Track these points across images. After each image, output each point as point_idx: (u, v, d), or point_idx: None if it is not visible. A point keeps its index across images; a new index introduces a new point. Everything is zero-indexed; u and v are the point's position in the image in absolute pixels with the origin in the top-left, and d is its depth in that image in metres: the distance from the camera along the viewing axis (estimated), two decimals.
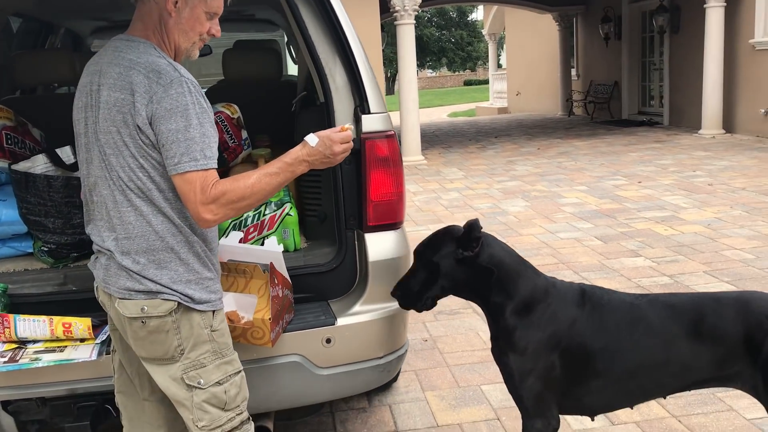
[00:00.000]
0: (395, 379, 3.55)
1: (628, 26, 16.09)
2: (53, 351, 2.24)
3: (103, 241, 1.97)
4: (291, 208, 2.66)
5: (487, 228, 7.00)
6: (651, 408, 3.17)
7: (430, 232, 2.35)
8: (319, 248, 2.72)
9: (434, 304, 2.31)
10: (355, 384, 2.50)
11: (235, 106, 3.07)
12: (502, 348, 2.26)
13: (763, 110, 11.64)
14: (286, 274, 2.36)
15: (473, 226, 2.19)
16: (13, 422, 2.30)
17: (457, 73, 57.41)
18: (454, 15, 52.26)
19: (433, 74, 57.97)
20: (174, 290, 1.93)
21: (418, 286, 2.27)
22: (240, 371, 2.06)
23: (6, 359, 2.19)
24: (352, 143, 2.04)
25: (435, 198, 8.58)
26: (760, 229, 6.07)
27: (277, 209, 2.64)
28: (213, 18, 2.01)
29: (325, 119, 2.55)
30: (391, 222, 2.53)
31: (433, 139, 15.30)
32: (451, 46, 53.55)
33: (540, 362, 2.18)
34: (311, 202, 2.89)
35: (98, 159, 1.93)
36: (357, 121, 2.51)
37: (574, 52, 19.34)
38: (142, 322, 1.93)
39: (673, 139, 12.41)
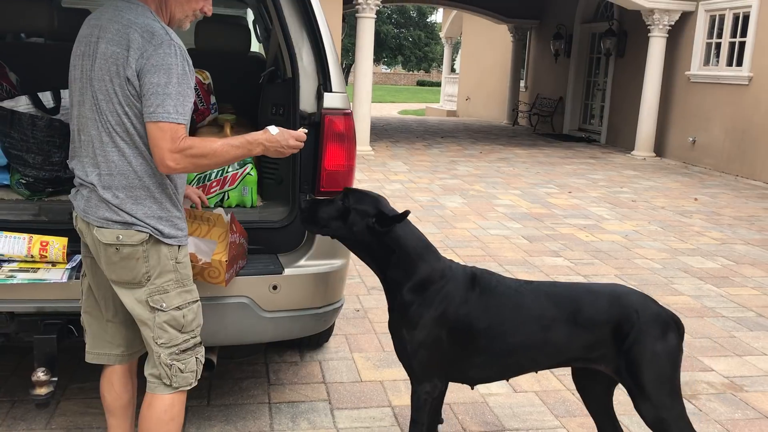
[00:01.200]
0: (326, 338, 3.88)
1: (578, 45, 16.76)
2: (27, 271, 2.48)
3: (87, 176, 2.22)
4: (252, 168, 2.97)
5: (424, 219, 7.40)
6: (549, 381, 3.59)
7: None
8: (273, 207, 3.03)
9: (328, 235, 2.50)
10: (294, 328, 2.82)
11: (207, 73, 3.34)
12: (397, 321, 2.45)
13: (691, 138, 12.40)
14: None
15: (400, 216, 2.39)
16: None
17: (411, 72, 57.83)
18: (414, 14, 52.64)
19: (388, 70, 58.28)
20: (147, 224, 2.19)
21: (326, 215, 2.44)
22: (197, 300, 2.34)
23: None
24: (303, 144, 2.35)
25: (378, 187, 8.93)
26: (671, 244, 6.64)
27: (239, 168, 2.94)
28: None
29: (290, 94, 2.86)
30: (341, 190, 2.85)
31: (382, 132, 15.66)
32: (408, 45, 53.94)
33: (430, 336, 2.38)
34: (270, 167, 3.19)
35: (90, 102, 2.18)
36: (319, 98, 2.82)
37: (524, 65, 19.96)
38: (116, 248, 2.19)
39: (607, 157, 13.09)
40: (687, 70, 12.59)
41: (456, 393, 3.40)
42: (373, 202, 2.46)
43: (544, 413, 3.28)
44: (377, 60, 52.51)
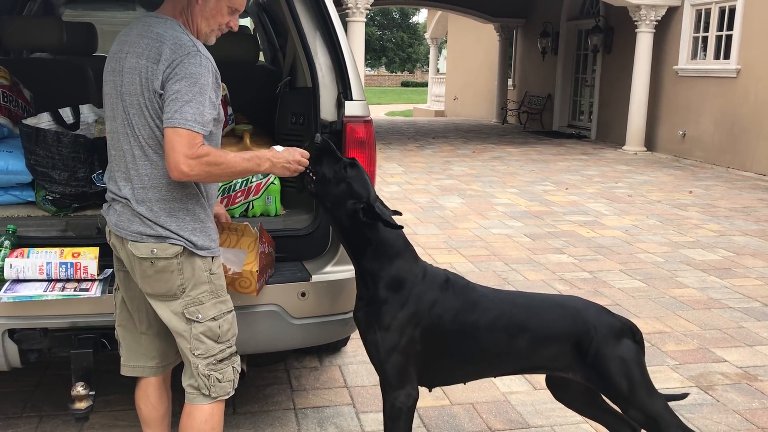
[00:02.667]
0: (344, 343, 3.91)
1: (565, 43, 16.88)
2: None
3: (120, 190, 2.24)
4: (275, 177, 3.00)
5: (425, 220, 7.45)
6: None
7: None
8: (297, 215, 3.06)
9: (311, 187, 2.43)
10: (322, 334, 2.86)
11: (224, 84, 3.36)
12: (368, 316, 2.43)
13: (681, 132, 12.53)
14: None
15: (389, 222, 2.37)
16: (17, 349, 2.55)
17: (395, 73, 58.02)
18: (397, 16, 52.82)
19: (372, 72, 58.42)
20: (180, 236, 2.22)
21: (323, 168, 2.38)
22: (232, 310, 2.37)
23: (16, 291, 2.45)
24: (308, 161, 2.37)
25: (377, 190, 8.95)
26: (671, 237, 6.72)
27: (263, 177, 2.97)
28: (234, 13, 2.30)
29: (310, 102, 2.90)
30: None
31: None
32: (392, 46, 54.14)
33: (404, 337, 2.38)
34: (291, 176, 3.22)
35: (121, 117, 2.20)
36: (339, 106, 2.86)
37: (512, 63, 20.08)
38: (151, 262, 2.22)
39: (599, 153, 13.20)
40: (675, 64, 12.72)
41: (478, 392, 3.45)
42: (369, 189, 2.44)
43: (565, 410, 3.31)
44: None
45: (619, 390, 2.45)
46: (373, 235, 2.41)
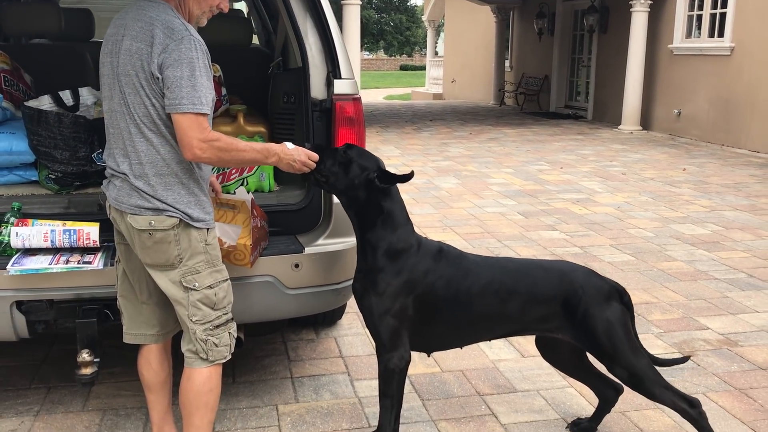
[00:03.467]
0: (340, 316, 4.05)
1: (561, 23, 16.92)
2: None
3: (118, 166, 2.36)
4: None
5: (421, 201, 7.58)
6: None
7: None
8: (290, 191, 3.18)
9: (318, 185, 2.64)
10: (316, 304, 2.99)
11: (217, 66, 3.48)
12: (365, 287, 2.57)
13: (676, 111, 12.61)
14: None
15: (404, 177, 2.52)
16: (25, 321, 2.68)
17: (393, 57, 57.87)
18: None
19: (370, 56, 58.30)
20: (177, 209, 2.34)
21: (329, 164, 2.54)
22: (227, 279, 2.49)
23: (23, 264, 2.58)
24: (314, 165, 2.52)
25: None
26: (662, 213, 6.85)
27: None
28: None
29: (301, 82, 3.01)
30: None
31: (371, 118, 15.78)
32: (390, 30, 53.98)
33: (397, 303, 2.53)
34: None
35: (118, 97, 2.32)
36: (329, 85, 2.97)
37: (509, 45, 20.11)
38: (150, 234, 2.34)
39: (595, 132, 13.29)
40: (670, 43, 12.78)
41: (467, 360, 3.59)
42: (375, 159, 2.60)
43: (551, 375, 3.47)
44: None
45: (604, 348, 2.58)
46: (387, 201, 2.56)
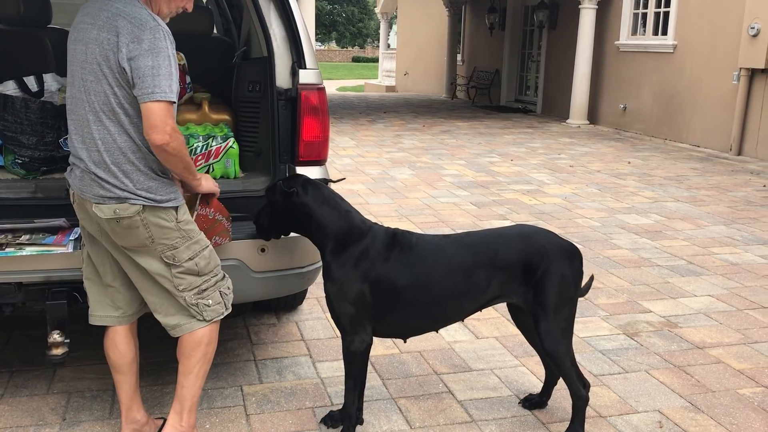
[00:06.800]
0: (300, 301, 4.15)
1: (512, 19, 17.22)
2: (34, 244, 2.67)
3: (78, 153, 2.40)
4: (234, 142, 3.20)
5: (377, 191, 7.72)
6: (507, 327, 3.95)
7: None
8: (255, 177, 3.26)
9: (282, 234, 2.81)
10: (281, 287, 3.08)
11: (182, 54, 3.52)
12: (324, 278, 2.70)
13: (622, 105, 13.01)
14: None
15: (298, 180, 2.70)
16: None
17: (345, 48, 57.80)
18: None
19: (322, 47, 58.10)
20: (138, 195, 2.36)
21: (266, 221, 2.75)
22: (207, 246, 2.53)
23: None
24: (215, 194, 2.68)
25: (329, 163, 9.13)
26: (608, 204, 7.12)
27: (222, 142, 3.16)
28: None
29: (266, 71, 3.10)
30: (317, 159, 3.12)
31: None
32: (342, 21, 53.87)
33: (352, 290, 2.61)
34: (248, 140, 3.42)
35: (79, 84, 2.36)
36: (294, 74, 3.07)
37: (460, 39, 20.36)
38: (117, 221, 2.38)
39: (544, 126, 13.61)
40: (616, 40, 13.16)
41: (425, 342, 3.73)
42: (277, 184, 2.71)
43: (504, 354, 3.64)
44: None
45: (546, 299, 2.65)
46: (305, 207, 2.66)
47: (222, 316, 2.58)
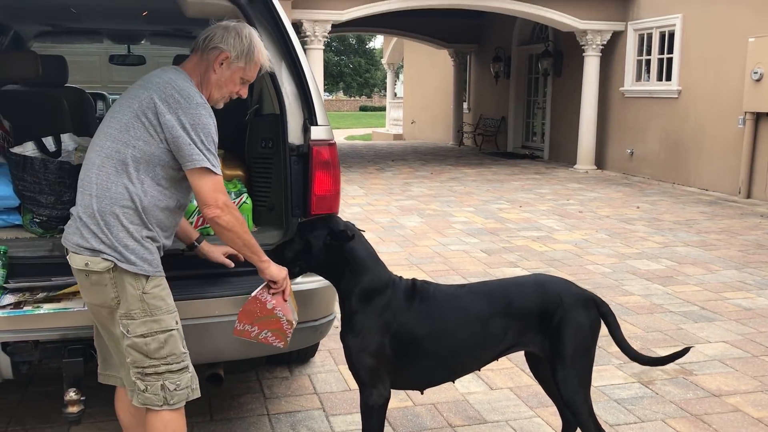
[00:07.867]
0: (313, 354, 4.15)
1: (516, 67, 17.46)
2: (51, 301, 2.71)
3: (77, 200, 2.39)
4: (247, 197, 3.25)
5: (387, 239, 7.74)
6: (521, 377, 3.94)
7: None
8: (268, 231, 3.30)
9: (301, 272, 2.76)
10: (296, 340, 3.08)
11: None
12: (344, 329, 2.67)
13: (629, 150, 13.09)
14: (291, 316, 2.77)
15: (348, 226, 2.68)
16: (9, 361, 2.73)
17: (353, 98, 58.56)
18: (354, 42, 53.45)
19: (330, 97, 58.89)
20: (113, 251, 2.29)
21: (292, 254, 2.69)
22: (168, 330, 2.37)
23: (12, 306, 2.65)
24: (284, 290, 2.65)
25: (339, 212, 9.21)
26: (618, 249, 7.12)
27: (236, 197, 3.22)
28: (245, 84, 2.55)
29: (279, 128, 3.17)
30: (329, 212, 3.16)
31: None
32: (349, 71, 54.68)
33: (373, 343, 2.60)
34: (261, 196, 3.48)
35: (105, 131, 2.38)
36: (305, 131, 3.13)
37: (466, 87, 20.62)
38: (86, 274, 2.32)
39: (552, 172, 13.69)
40: (621, 86, 13.31)
41: (438, 393, 3.72)
42: (324, 223, 2.70)
43: (519, 405, 3.62)
44: None
45: (563, 349, 2.65)
46: (347, 254, 2.66)
47: (156, 406, 2.41)
